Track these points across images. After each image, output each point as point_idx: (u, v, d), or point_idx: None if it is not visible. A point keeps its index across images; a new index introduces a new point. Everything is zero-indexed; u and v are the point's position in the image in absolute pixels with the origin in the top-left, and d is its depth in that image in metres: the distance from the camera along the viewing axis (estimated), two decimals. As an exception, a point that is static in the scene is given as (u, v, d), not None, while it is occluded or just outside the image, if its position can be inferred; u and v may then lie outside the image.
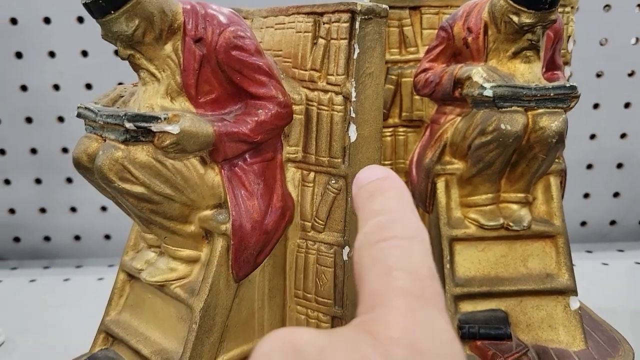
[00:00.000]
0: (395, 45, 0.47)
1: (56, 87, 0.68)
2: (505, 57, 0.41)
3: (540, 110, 0.39)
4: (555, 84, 0.39)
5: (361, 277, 0.19)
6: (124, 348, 0.37)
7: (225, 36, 0.32)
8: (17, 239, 0.73)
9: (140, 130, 0.31)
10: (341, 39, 0.33)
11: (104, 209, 0.72)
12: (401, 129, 0.49)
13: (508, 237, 0.44)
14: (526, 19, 0.38)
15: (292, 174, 0.36)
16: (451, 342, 0.17)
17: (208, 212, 0.34)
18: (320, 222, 0.36)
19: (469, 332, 0.41)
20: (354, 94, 0.33)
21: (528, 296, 0.43)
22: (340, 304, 0.36)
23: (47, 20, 0.66)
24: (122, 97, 0.35)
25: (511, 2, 0.38)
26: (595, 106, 0.71)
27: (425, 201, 0.45)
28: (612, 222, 0.75)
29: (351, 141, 0.34)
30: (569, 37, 0.48)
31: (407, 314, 0.17)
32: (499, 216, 0.43)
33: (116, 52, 0.34)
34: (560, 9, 0.47)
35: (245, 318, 0.36)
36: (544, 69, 0.43)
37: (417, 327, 0.17)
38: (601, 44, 0.69)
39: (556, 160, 0.44)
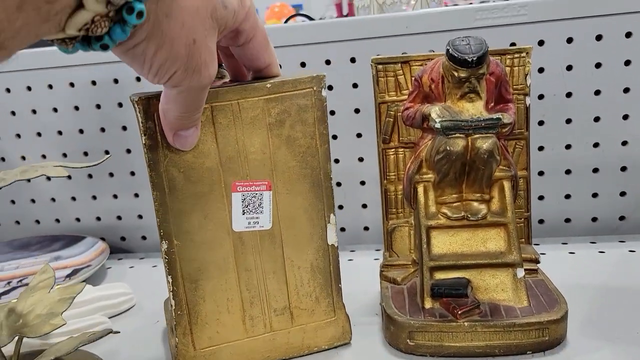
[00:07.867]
0: (393, 89, 0.65)
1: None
2: (455, 99, 0.57)
3: (476, 135, 0.55)
4: (487, 116, 0.55)
5: None
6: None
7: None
8: (143, 237, 0.99)
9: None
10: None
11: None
12: (400, 149, 0.66)
13: (471, 226, 0.60)
14: (462, 74, 0.55)
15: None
16: None
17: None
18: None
19: (437, 292, 0.58)
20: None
21: (486, 268, 0.58)
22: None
23: (138, 79, 0.90)
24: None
25: (451, 63, 0.55)
26: (596, 119, 0.83)
27: (410, 200, 0.62)
28: (622, 218, 0.86)
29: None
30: (527, 75, 0.64)
31: None
32: (461, 210, 0.59)
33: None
34: (516, 55, 0.63)
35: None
36: (492, 103, 0.59)
37: None
38: (596, 67, 0.81)
39: (507, 168, 0.60)
